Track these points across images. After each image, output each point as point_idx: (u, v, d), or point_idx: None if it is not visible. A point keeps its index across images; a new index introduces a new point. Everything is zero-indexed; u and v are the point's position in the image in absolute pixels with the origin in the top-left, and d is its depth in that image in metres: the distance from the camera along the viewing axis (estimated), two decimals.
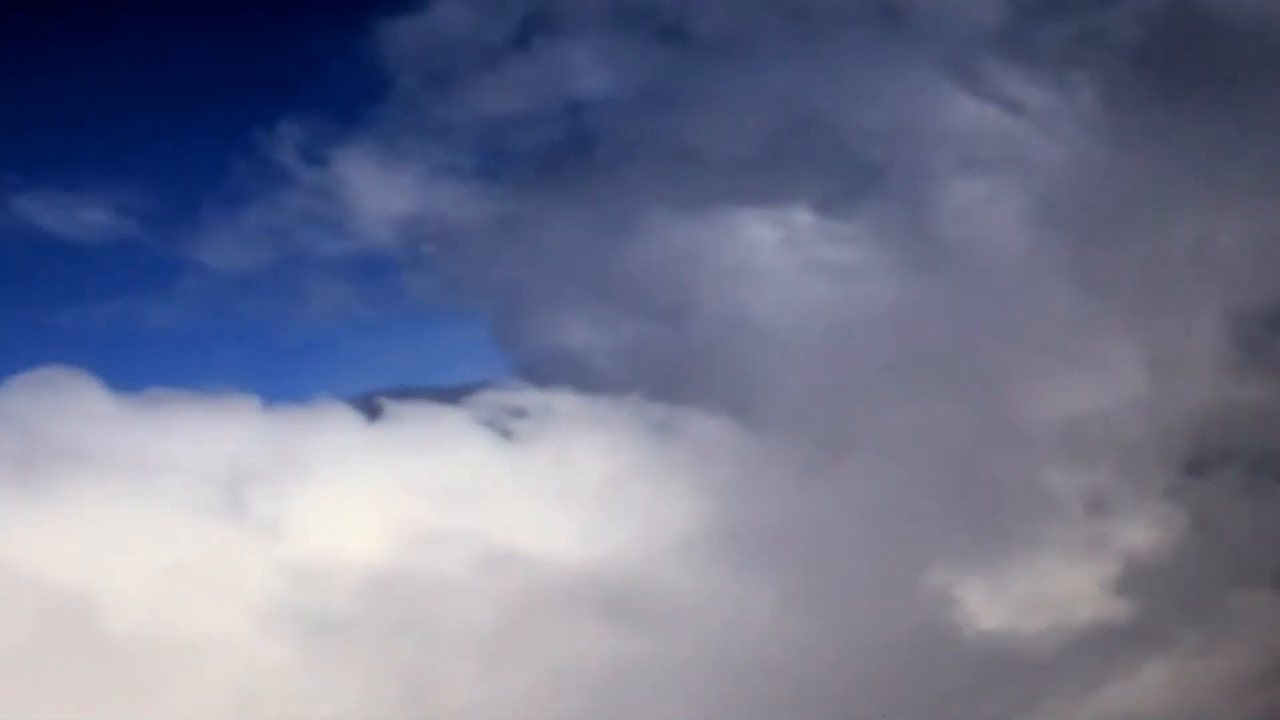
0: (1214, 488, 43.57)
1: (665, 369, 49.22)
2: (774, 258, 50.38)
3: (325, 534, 39.38)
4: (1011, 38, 48.43)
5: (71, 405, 42.30)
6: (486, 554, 40.37)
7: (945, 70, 49.19)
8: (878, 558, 43.03)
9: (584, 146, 53.66)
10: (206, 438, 41.90)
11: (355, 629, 38.43)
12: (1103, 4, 47.23)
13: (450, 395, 48.52)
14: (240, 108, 52.66)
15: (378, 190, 51.66)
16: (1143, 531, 43.95)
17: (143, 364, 50.80)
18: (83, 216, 50.44)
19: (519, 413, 46.37)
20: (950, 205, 46.70)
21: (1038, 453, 43.59)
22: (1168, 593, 42.36)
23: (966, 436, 42.88)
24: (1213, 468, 43.57)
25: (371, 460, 42.38)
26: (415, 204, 53.17)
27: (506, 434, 45.64)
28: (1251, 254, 41.83)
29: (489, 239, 53.30)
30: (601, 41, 53.00)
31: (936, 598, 43.09)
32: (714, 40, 50.63)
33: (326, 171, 51.48)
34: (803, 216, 50.43)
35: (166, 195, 51.97)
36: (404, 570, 39.34)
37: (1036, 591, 43.61)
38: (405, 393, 48.24)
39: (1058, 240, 44.05)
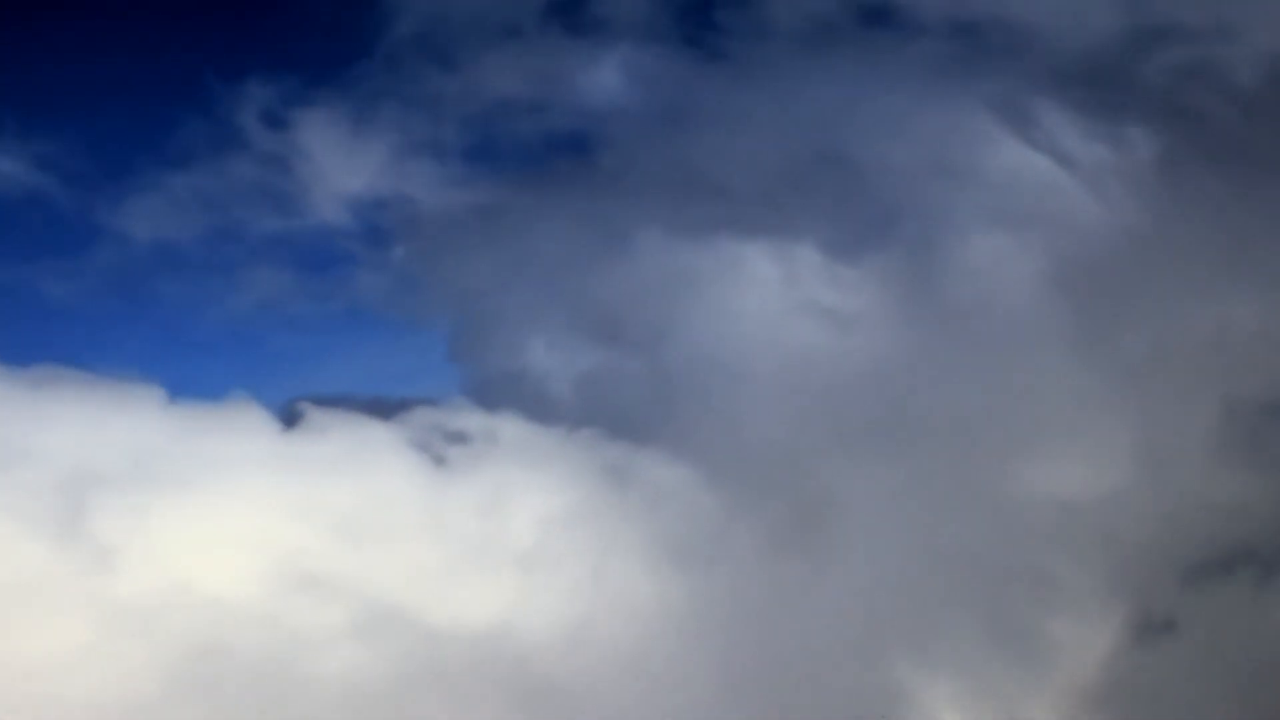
0: (1208, 592, 38.82)
1: (631, 404, 44.20)
2: (770, 296, 45.25)
3: (184, 561, 33.13)
4: (1072, 84, 44.03)
5: None
6: (374, 609, 34.80)
7: (993, 111, 44.77)
8: (839, 646, 38.25)
9: (585, 150, 49.06)
10: (92, 427, 36.23)
11: (182, 685, 32.05)
12: (1179, 66, 42.74)
13: (386, 409, 43.01)
14: (199, 55, 46.68)
15: (341, 164, 46.05)
16: (1120, 635, 39.12)
17: (36, 336, 44.52)
18: None
19: (458, 437, 40.73)
20: (965, 260, 42.17)
21: (1024, 537, 39.02)
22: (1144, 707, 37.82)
23: (949, 512, 38.78)
24: (1207, 570, 38.88)
25: (273, 475, 36.84)
26: (383, 185, 47.51)
27: (439, 460, 40.03)
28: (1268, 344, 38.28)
29: (461, 236, 48.10)
30: (624, 44, 48.16)
31: (898, 698, 38.35)
32: (741, 59, 46.71)
33: (285, 136, 45.49)
34: (808, 255, 45.35)
35: (96, 150, 45.99)
36: (263, 617, 33.73)
37: (1004, 694, 38.78)
38: (334, 401, 42.57)
39: (1073, 309, 40.05)
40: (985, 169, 43.50)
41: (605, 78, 48.15)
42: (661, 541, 40.27)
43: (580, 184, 48.46)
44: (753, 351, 43.81)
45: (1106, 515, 38.06)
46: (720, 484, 41.59)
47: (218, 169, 46.31)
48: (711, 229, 46.09)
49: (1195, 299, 39.06)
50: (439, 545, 36.67)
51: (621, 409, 43.91)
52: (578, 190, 48.42)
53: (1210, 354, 38.38)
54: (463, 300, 47.85)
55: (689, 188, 46.58)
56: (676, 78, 47.72)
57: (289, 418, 40.48)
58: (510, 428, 41.64)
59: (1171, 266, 39.20)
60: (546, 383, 45.65)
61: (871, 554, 39.12)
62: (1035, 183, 42.42)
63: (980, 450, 38.78)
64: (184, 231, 46.25)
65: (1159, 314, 39.07)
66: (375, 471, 38.24)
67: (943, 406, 39.39)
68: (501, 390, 45.40)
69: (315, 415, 40.37)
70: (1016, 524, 38.51)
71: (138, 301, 46.30)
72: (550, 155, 49.32)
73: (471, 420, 41.58)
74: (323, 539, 35.52)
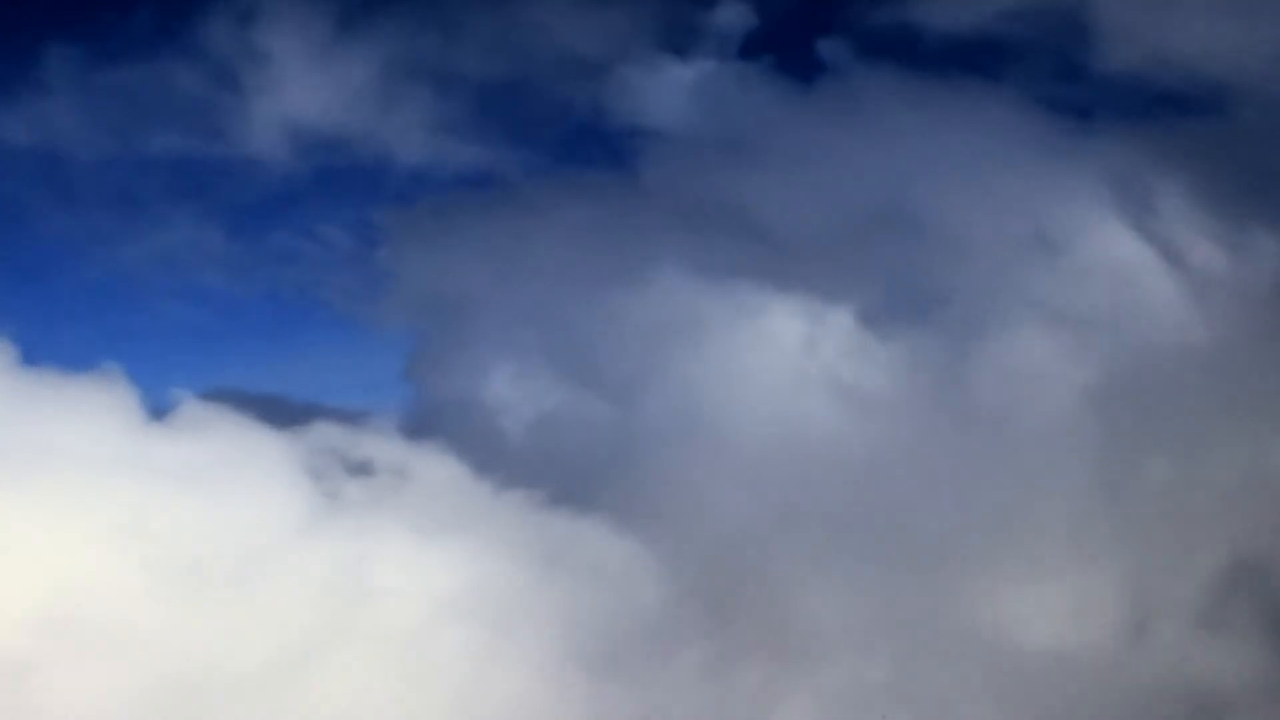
0: None
1: (588, 459, 36.82)
2: (784, 360, 38.03)
3: None
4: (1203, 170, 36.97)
5: None
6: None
7: (1098, 187, 37.85)
8: None
9: (620, 162, 42.33)
10: None
11: None
12: None
13: (291, 417, 35.09)
14: None
15: (308, 85, 36.88)
16: None
17: None
18: None
19: (362, 467, 32.65)
20: (1007, 357, 35.80)
21: (1001, 687, 32.51)
22: None
23: (926, 653, 32.84)
24: None
25: (107, 475, 29.11)
26: (360, 127, 39.39)
27: (330, 493, 31.93)
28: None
29: (448, 228, 41.02)
30: (702, 59, 42.00)
31: None
32: (827, 93, 40.91)
33: (237, 31, 36.23)
34: (841, 320, 38.15)
35: None
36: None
37: None
38: (230, 397, 34.85)
39: (1105, 432, 34.30)
40: (1062, 253, 37.07)
41: (667, 89, 41.62)
42: (587, 641, 32.40)
43: (603, 199, 41.64)
44: (748, 420, 36.75)
45: (1089, 671, 32.61)
46: (672, 574, 34.01)
47: (130, 62, 36.69)
48: (738, 274, 39.23)
49: (1234, 442, 33.74)
50: (283, 613, 28.51)
51: (575, 463, 36.63)
52: (598, 205, 41.51)
53: (1232, 505, 33.33)
54: (433, 307, 40.38)
55: (726, 225, 40.02)
56: (747, 103, 41.71)
57: (160, 407, 32.59)
58: (433, 468, 33.64)
59: (1222, 400, 33.72)
60: (498, 419, 37.41)
61: (836, 689, 32.92)
62: (1112, 280, 36.22)
63: (970, 582, 33.23)
64: (74, 145, 36.62)
65: (1192, 452, 33.75)
66: (239, 496, 30.27)
67: (941, 520, 33.58)
68: (444, 420, 37.47)
69: (194, 410, 32.48)
70: (994, 673, 32.57)
71: None
72: (576, 160, 42.80)
73: (387, 450, 33.43)
74: (129, 574, 27.58)
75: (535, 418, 38.00)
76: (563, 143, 42.11)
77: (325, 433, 33.88)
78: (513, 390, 38.47)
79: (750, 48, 41.57)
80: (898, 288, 38.02)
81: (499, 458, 36.13)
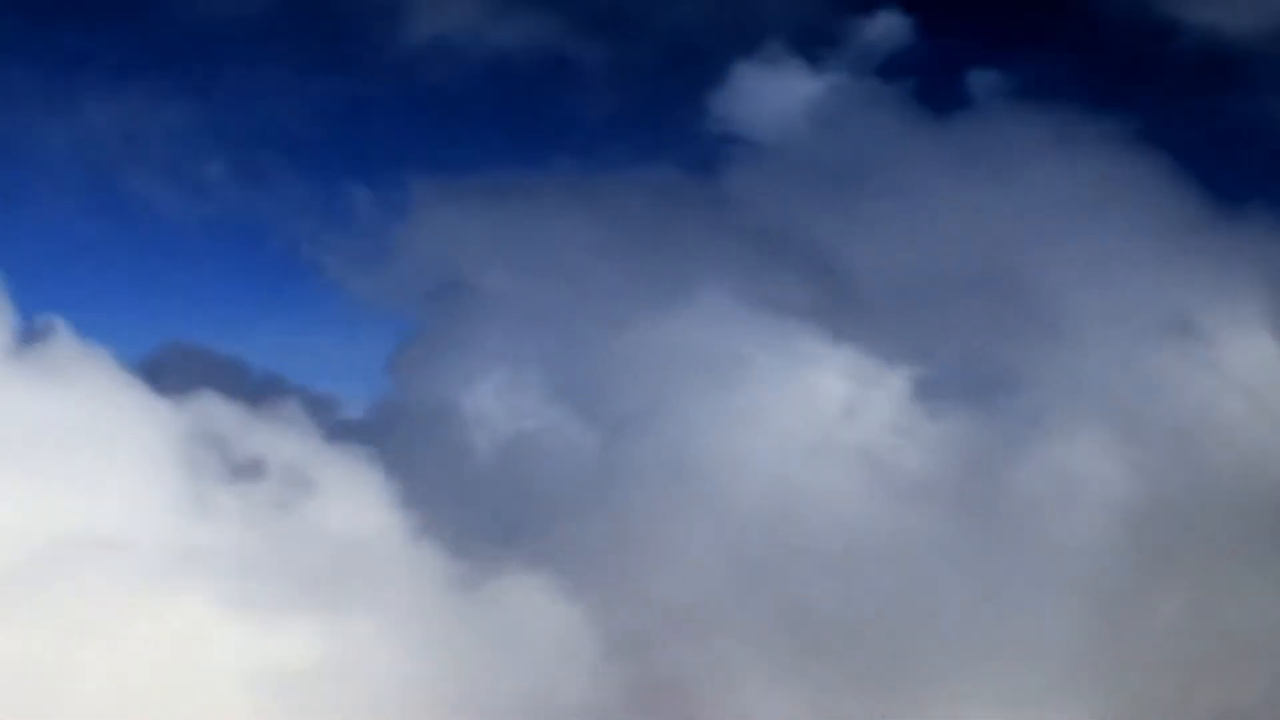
0: None
1: (554, 495, 30.76)
2: (814, 419, 31.31)
3: None
4: None
5: None
6: None
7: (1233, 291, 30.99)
8: None
9: (693, 163, 36.01)
10: None
11: None
12: None
13: (240, 383, 30.48)
14: None
15: None
16: None
17: None
18: None
19: (251, 466, 27.02)
20: (1056, 460, 29.25)
21: None
22: None
23: None
24: None
25: None
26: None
27: (197, 495, 26.43)
28: None
29: (470, 206, 35.06)
30: (813, 69, 36.03)
31: None
32: (936, 131, 34.65)
33: None
34: (893, 386, 31.36)
35: None
36: None
37: None
38: (183, 350, 32.06)
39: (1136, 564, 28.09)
40: (1162, 353, 30.31)
41: (783, 95, 35.71)
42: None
43: (664, 201, 35.39)
44: (750, 479, 30.26)
45: None
46: (609, 650, 27.81)
47: None
48: (790, 313, 32.77)
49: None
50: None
51: (536, 498, 30.74)
52: (656, 207, 35.30)
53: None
54: (440, 295, 35.10)
55: (793, 256, 33.92)
56: (865, 127, 35.26)
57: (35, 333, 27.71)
58: (343, 489, 27.46)
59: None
60: (469, 433, 31.82)
61: None
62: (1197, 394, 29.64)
63: (942, 705, 27.13)
64: None
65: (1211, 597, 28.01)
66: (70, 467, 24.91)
67: (928, 629, 27.72)
68: (409, 424, 32.53)
69: (70, 347, 27.47)
70: None
71: None
72: (651, 154, 36.44)
73: (296, 452, 27.61)
74: None
75: (510, 438, 31.71)
76: (641, 131, 36.56)
77: (224, 414, 27.87)
78: (496, 403, 31.99)
79: (893, 67, 35.65)
80: (967, 361, 31.45)
81: (448, 480, 30.16)
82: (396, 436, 31.58)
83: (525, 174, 35.85)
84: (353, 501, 27.78)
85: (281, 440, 28.27)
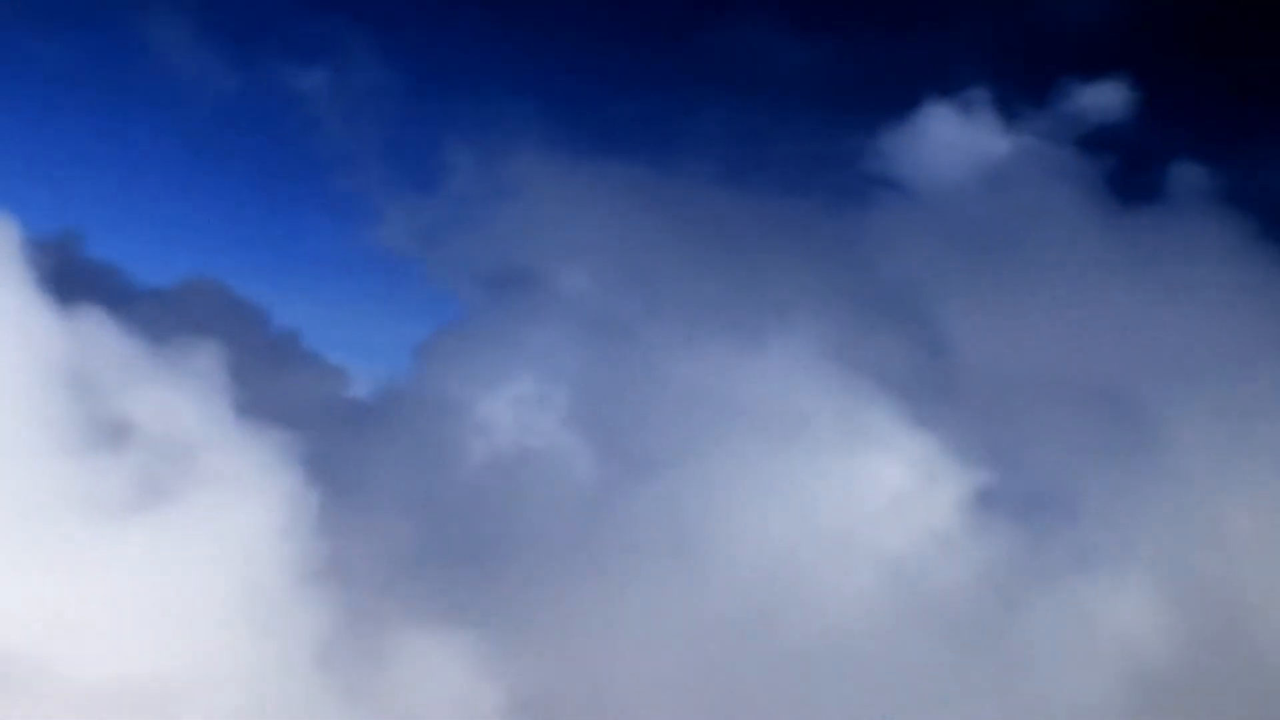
0: None
1: (519, 531, 26.26)
2: (859, 505, 26.08)
3: None
4: None
5: None
6: None
7: None
8: None
9: (818, 196, 31.02)
10: None
11: None
12: None
13: (251, 337, 27.96)
14: None
15: None
16: None
17: None
18: None
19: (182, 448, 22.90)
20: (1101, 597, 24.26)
21: None
22: None
23: None
24: None
25: None
26: None
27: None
28: None
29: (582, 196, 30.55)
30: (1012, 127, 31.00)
31: None
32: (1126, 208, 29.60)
33: None
34: (954, 487, 25.90)
35: None
36: None
37: None
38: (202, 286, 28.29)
39: None
40: None
41: (934, 143, 30.68)
42: None
43: (766, 229, 30.49)
44: (751, 554, 25.36)
45: None
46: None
47: None
48: (865, 378, 27.70)
49: None
50: None
51: (503, 529, 26.21)
52: (755, 235, 30.44)
53: None
54: (499, 285, 30.81)
55: (890, 317, 28.96)
56: (1015, 192, 30.31)
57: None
58: (257, 476, 23.22)
59: None
60: (460, 438, 27.17)
61: None
62: None
63: None
64: None
65: None
66: None
67: None
68: (401, 416, 28.49)
69: None
70: None
71: None
72: (768, 177, 31.58)
73: (197, 425, 23.52)
74: None
75: (504, 455, 26.56)
76: (790, 149, 31.87)
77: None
78: (509, 413, 27.13)
79: (1092, 140, 30.32)
80: (1038, 474, 25.70)
81: (410, 489, 26.04)
82: (389, 429, 27.10)
83: (642, 171, 30.66)
84: (254, 503, 22.92)
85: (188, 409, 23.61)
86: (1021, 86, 31.59)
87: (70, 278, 27.89)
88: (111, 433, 22.06)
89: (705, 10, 32.91)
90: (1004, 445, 25.47)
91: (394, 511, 25.52)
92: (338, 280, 31.37)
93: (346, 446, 26.85)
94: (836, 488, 25.42)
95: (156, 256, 29.27)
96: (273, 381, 28.13)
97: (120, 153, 30.46)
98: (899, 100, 31.01)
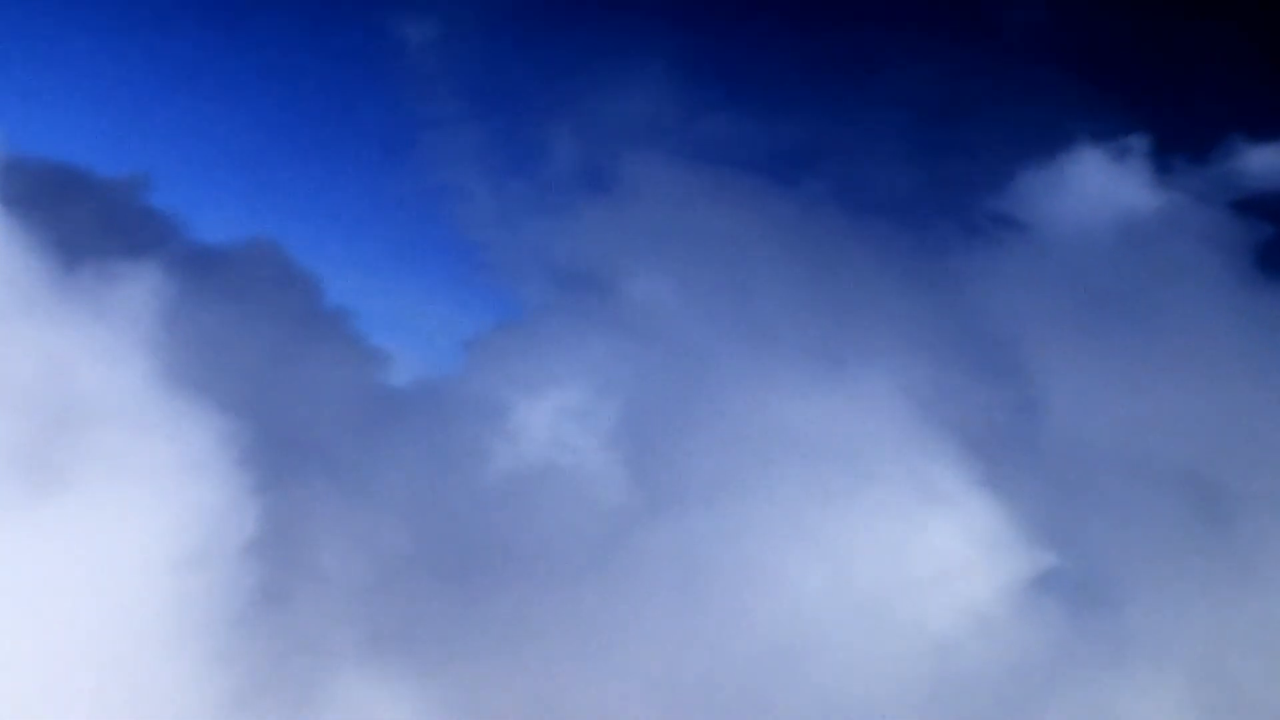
0: None
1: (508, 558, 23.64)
2: (900, 568, 23.35)
3: None
4: None
5: None
6: None
7: None
8: None
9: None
10: None
11: None
12: None
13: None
14: None
15: None
16: None
17: None
18: None
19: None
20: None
21: None
22: None
23: None
24: None
25: None
26: None
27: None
28: None
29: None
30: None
31: None
32: None
33: None
34: (1016, 566, 23.10)
35: None
36: None
37: None
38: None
39: None
40: None
41: (1080, 188, 27.72)
42: None
43: (868, 260, 27.50)
44: (768, 608, 22.65)
45: None
46: None
47: None
48: (945, 434, 25.00)
49: None
50: None
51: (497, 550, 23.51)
52: (854, 267, 27.40)
53: None
54: (573, 286, 28.21)
55: (984, 370, 25.97)
56: (1159, 253, 27.05)
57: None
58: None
59: None
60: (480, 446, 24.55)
61: None
62: None
63: None
64: None
65: None
66: None
67: None
68: (423, 416, 25.86)
69: None
70: None
71: None
72: (887, 204, 28.24)
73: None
74: None
75: (526, 464, 24.07)
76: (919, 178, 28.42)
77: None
78: (548, 421, 24.82)
79: (1256, 204, 27.07)
80: (1102, 558, 22.52)
81: (414, 491, 23.67)
82: (415, 422, 24.92)
83: (747, 180, 28.13)
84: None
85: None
86: (1181, 140, 28.29)
87: (129, 222, 26.76)
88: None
89: (841, 17, 29.95)
90: (1070, 523, 21.92)
91: (394, 512, 23.05)
92: (405, 260, 29.21)
93: (366, 435, 24.58)
94: (884, 547, 22.35)
95: (222, 212, 27.38)
96: (310, 358, 26.09)
97: (194, 98, 28.63)
98: (1045, 138, 28.24)
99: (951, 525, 22.53)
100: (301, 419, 24.03)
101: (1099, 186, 27.81)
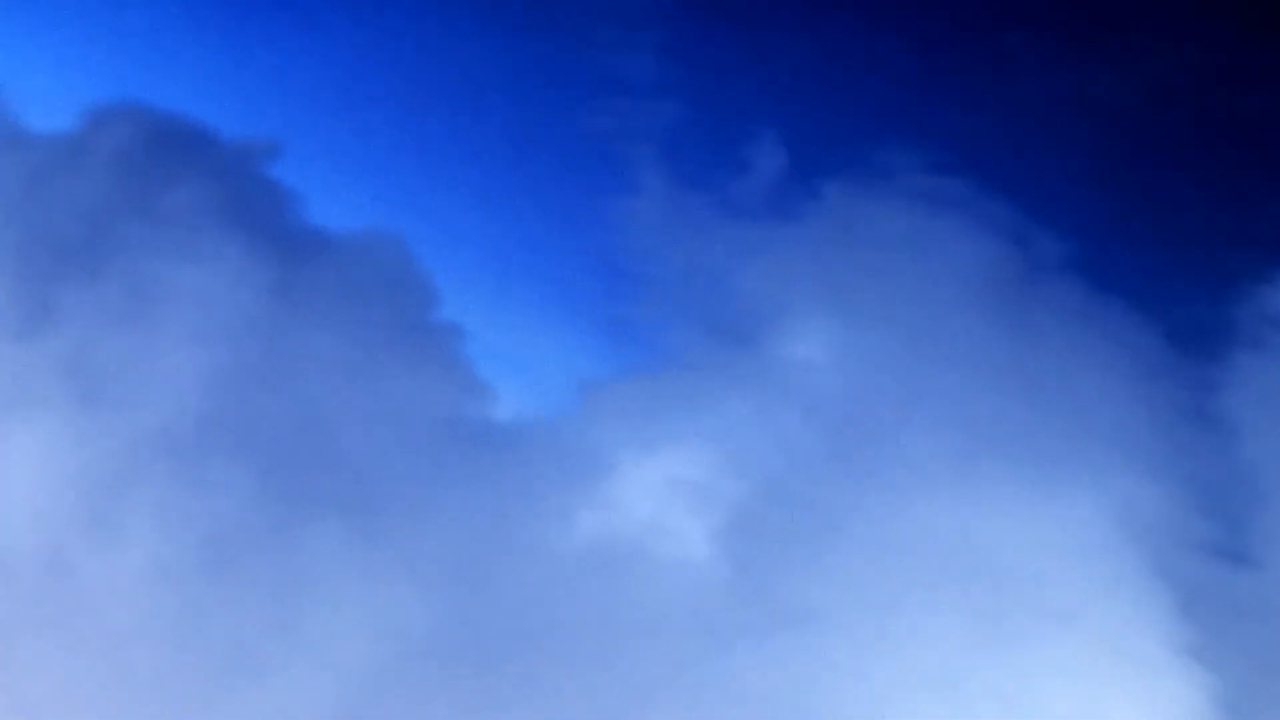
0: None
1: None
2: None
3: None
4: None
5: None
6: None
7: None
8: None
9: None
10: None
11: None
12: None
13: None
14: None
15: None
16: None
17: None
18: None
19: None
20: None
21: None
22: None
23: None
24: None
25: None
26: None
27: None
28: None
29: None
30: None
31: None
32: None
33: None
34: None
35: None
36: None
37: None
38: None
39: None
40: None
41: None
42: None
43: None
44: None
45: None
46: None
47: None
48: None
49: None
50: None
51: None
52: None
53: None
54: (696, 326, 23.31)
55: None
56: None
57: None
58: None
59: None
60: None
61: None
62: None
63: None
64: None
65: None
66: None
67: None
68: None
69: None
70: None
71: None
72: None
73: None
74: None
75: (608, 537, 20.36)
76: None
77: None
78: (648, 490, 20.42)
79: None
80: None
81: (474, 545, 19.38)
82: (499, 465, 20.57)
83: (980, 236, 23.39)
84: None
85: None
86: None
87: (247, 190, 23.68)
88: None
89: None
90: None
91: (439, 568, 18.56)
92: (534, 282, 24.80)
93: (437, 471, 20.41)
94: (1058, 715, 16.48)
95: (345, 195, 23.77)
96: (404, 373, 22.26)
97: (337, 69, 25.19)
98: None
99: (1148, 695, 16.49)
100: (373, 438, 20.25)
101: None
